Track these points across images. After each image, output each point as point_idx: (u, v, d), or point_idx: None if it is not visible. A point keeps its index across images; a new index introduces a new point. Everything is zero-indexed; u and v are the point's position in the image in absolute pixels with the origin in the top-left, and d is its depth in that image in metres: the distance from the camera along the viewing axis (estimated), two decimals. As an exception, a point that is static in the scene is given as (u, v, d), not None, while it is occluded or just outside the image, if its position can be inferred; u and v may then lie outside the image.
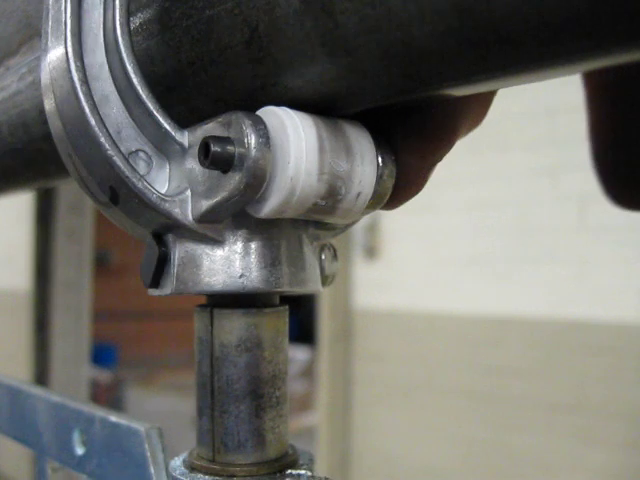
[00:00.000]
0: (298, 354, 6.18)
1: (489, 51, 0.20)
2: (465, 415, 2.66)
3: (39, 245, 4.05)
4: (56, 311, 4.04)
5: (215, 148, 0.25)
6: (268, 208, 0.26)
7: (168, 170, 0.29)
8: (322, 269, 0.33)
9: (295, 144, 0.25)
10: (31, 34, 0.39)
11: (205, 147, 0.25)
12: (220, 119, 0.27)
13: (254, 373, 0.30)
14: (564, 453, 2.40)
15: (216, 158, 0.25)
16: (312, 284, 0.31)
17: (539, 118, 2.46)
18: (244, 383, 0.30)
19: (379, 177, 0.28)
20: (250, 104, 0.27)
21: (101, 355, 6.76)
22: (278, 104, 0.26)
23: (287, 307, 0.32)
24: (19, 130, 0.40)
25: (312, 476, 0.32)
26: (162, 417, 5.54)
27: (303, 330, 4.90)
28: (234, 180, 0.25)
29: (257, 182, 0.25)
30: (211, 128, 0.27)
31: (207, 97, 0.29)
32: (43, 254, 4.04)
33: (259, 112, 0.26)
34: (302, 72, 0.25)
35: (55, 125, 0.29)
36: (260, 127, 0.25)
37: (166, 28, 0.29)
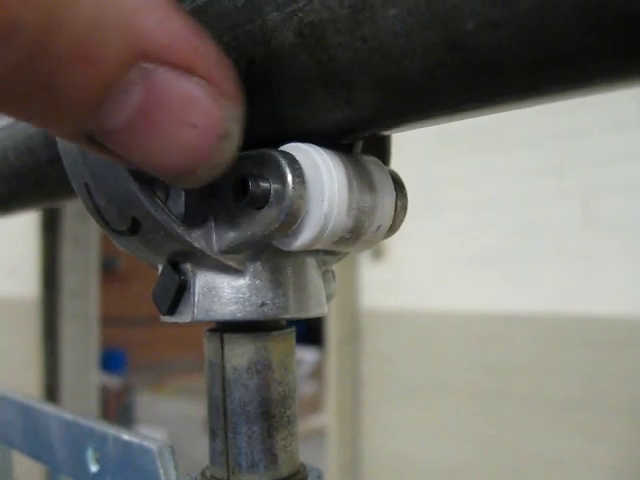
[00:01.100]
0: (306, 355, 6.19)
1: (479, 82, 0.21)
2: (474, 413, 2.66)
3: (46, 253, 4.06)
4: (64, 318, 4.05)
5: (253, 187, 0.26)
6: (300, 242, 0.27)
7: (184, 199, 0.29)
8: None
9: (328, 182, 0.26)
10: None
11: (242, 184, 0.26)
12: (247, 154, 0.27)
13: (265, 394, 0.31)
14: (572, 449, 2.40)
15: (254, 196, 0.26)
16: (321, 308, 0.32)
17: (542, 115, 2.46)
18: (256, 404, 0.31)
19: (395, 210, 0.29)
20: (248, 133, 0.28)
21: (110, 361, 6.78)
22: (278, 134, 0.27)
23: (294, 329, 0.32)
24: (25, 154, 0.41)
25: None
26: (172, 422, 5.56)
27: (311, 331, 4.91)
28: (269, 217, 0.26)
29: (292, 219, 0.26)
30: (235, 163, 0.27)
31: None
32: (50, 262, 4.05)
33: (285, 148, 0.27)
34: (299, 103, 0.25)
35: (70, 154, 0.29)
36: (296, 166, 0.26)
37: None
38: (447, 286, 2.78)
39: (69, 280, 4.06)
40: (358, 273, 3.03)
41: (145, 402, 6.14)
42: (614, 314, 2.34)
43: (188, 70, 0.21)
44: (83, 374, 4.16)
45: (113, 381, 5.73)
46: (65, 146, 0.29)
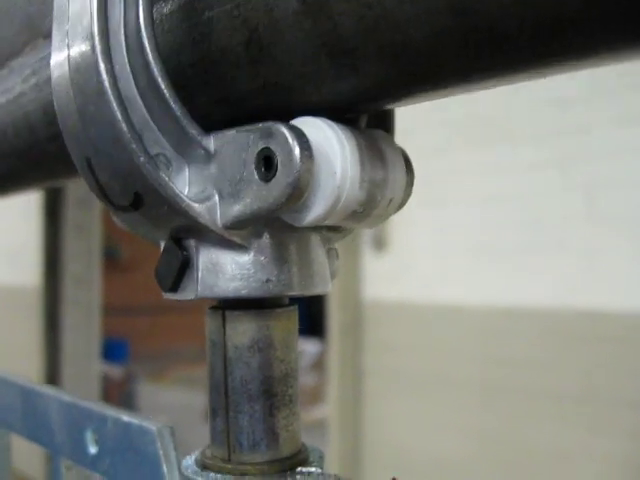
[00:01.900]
0: (308, 347, 6.19)
1: (485, 50, 0.20)
2: (476, 406, 2.66)
3: (48, 241, 4.07)
4: (66, 307, 4.06)
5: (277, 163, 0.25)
6: (312, 217, 0.26)
7: (187, 173, 0.28)
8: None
9: (341, 155, 0.25)
10: (34, 35, 0.39)
11: (267, 161, 0.26)
12: (254, 127, 0.26)
13: (267, 373, 0.30)
14: (576, 442, 2.40)
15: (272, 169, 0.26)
16: (325, 285, 0.31)
17: (546, 109, 2.45)
18: (258, 383, 0.30)
19: (406, 184, 0.29)
20: (253, 104, 0.27)
21: (112, 350, 6.77)
22: (282, 104, 0.26)
23: (296, 307, 0.32)
24: (24, 132, 0.40)
25: (322, 473, 0.32)
26: (174, 411, 5.57)
27: (313, 322, 4.91)
28: (276, 191, 0.25)
29: (299, 193, 0.25)
30: (242, 136, 0.27)
31: (208, 97, 0.29)
32: (52, 250, 4.06)
33: (296, 122, 0.26)
34: (303, 72, 0.25)
35: (71, 127, 0.28)
36: (304, 139, 0.25)
37: (166, 30, 0.29)
38: (450, 279, 2.78)
39: (71, 268, 4.06)
40: (361, 264, 3.03)
41: (147, 391, 6.15)
42: (618, 308, 2.33)
43: None
44: (85, 363, 4.17)
45: (115, 370, 5.75)
46: (66, 121, 0.28)
